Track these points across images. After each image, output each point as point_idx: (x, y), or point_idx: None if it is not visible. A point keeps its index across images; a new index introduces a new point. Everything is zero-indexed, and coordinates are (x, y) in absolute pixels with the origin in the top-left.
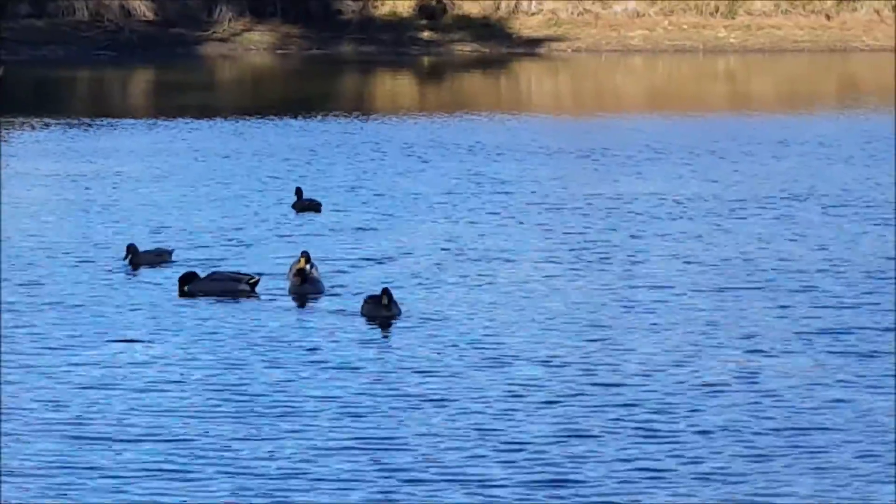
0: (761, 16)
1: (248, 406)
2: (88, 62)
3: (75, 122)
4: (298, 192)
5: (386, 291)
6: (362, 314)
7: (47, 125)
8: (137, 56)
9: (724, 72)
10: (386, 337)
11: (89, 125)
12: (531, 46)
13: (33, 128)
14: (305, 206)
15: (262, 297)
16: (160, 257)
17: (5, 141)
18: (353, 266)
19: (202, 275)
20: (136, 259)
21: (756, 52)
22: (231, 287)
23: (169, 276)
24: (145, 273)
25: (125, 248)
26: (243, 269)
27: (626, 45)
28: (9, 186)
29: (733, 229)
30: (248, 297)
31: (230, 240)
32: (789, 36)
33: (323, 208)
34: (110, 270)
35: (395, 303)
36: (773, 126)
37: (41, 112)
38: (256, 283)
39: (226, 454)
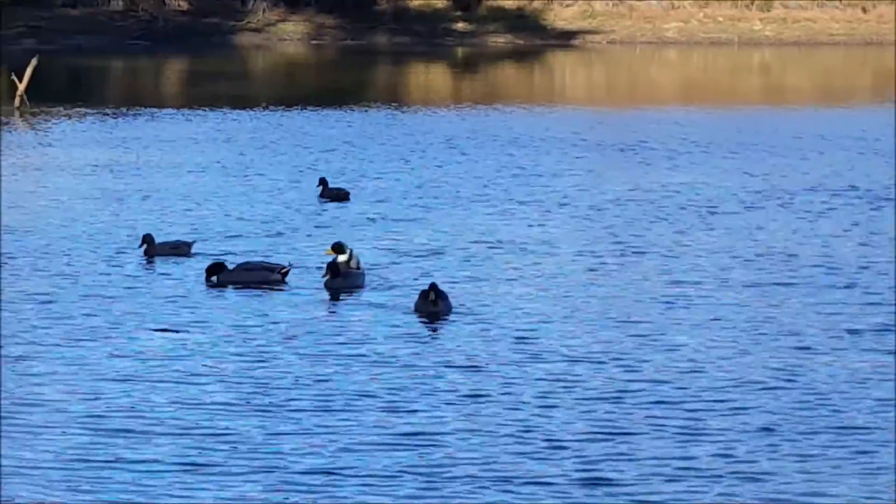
0: (797, 8)
1: (280, 401)
2: (123, 52)
3: (109, 111)
4: (323, 182)
5: (433, 287)
6: (414, 309)
7: (82, 114)
8: (171, 46)
9: (760, 65)
10: (422, 332)
11: (123, 114)
12: (566, 38)
13: (68, 117)
14: (333, 195)
15: (296, 290)
16: (177, 250)
17: (40, 130)
18: (389, 258)
19: (229, 265)
20: (152, 250)
21: (791, 45)
22: (264, 276)
23: (189, 267)
24: (165, 265)
25: (141, 238)
26: (266, 260)
27: (661, 38)
28: (43, 175)
29: (775, 224)
30: (279, 286)
31: (256, 230)
32: (825, 29)
33: (352, 198)
34: (136, 262)
35: (446, 298)
36: (811, 120)
37: (76, 101)
38: (287, 272)
39: (258, 449)
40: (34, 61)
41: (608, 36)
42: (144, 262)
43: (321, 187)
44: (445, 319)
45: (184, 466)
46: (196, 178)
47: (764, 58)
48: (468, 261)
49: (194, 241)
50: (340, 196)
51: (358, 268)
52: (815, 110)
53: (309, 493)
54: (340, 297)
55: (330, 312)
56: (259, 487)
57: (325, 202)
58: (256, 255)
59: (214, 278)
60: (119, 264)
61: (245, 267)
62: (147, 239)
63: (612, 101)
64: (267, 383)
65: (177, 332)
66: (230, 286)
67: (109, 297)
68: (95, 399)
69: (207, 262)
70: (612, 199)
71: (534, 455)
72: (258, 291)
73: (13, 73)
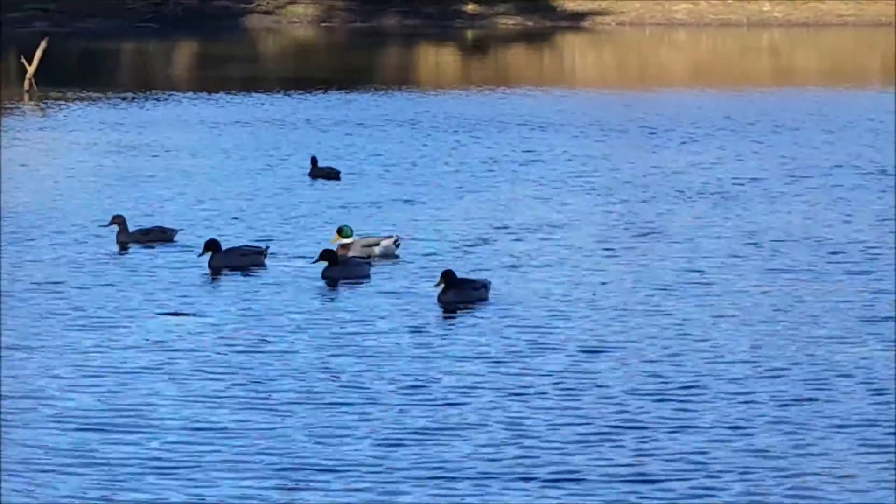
0: None
1: (288, 395)
2: (133, 35)
3: (119, 94)
4: (314, 161)
5: (444, 275)
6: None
7: (91, 98)
8: (181, 29)
9: (769, 46)
10: (436, 322)
11: (133, 98)
12: (575, 20)
13: (77, 100)
14: (323, 174)
15: (300, 280)
16: (147, 235)
17: (48, 114)
18: (403, 244)
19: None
20: (123, 238)
21: (800, 27)
22: (256, 260)
23: (179, 254)
24: (163, 254)
25: (111, 218)
26: (248, 244)
27: (671, 19)
28: (50, 160)
29: (793, 207)
30: (273, 272)
31: (245, 212)
32: (833, 10)
33: (344, 177)
34: (133, 249)
35: (465, 287)
36: (823, 102)
37: (85, 84)
38: (267, 253)
39: (269, 445)
40: (43, 44)
41: (617, 17)
42: (118, 250)
43: (310, 166)
44: (468, 308)
45: (189, 462)
46: (197, 161)
47: (773, 39)
48: (480, 245)
49: (181, 229)
50: (330, 175)
51: (392, 254)
52: (825, 92)
53: (322, 489)
54: (341, 287)
55: (338, 302)
56: (270, 484)
57: (314, 181)
58: (242, 239)
59: (207, 255)
60: (111, 251)
61: (239, 252)
62: (118, 220)
63: (623, 83)
64: (275, 378)
65: (181, 315)
66: (224, 270)
67: (110, 284)
68: (97, 392)
69: (192, 251)
70: (629, 182)
71: (557, 450)
72: (258, 279)
73: (22, 57)
